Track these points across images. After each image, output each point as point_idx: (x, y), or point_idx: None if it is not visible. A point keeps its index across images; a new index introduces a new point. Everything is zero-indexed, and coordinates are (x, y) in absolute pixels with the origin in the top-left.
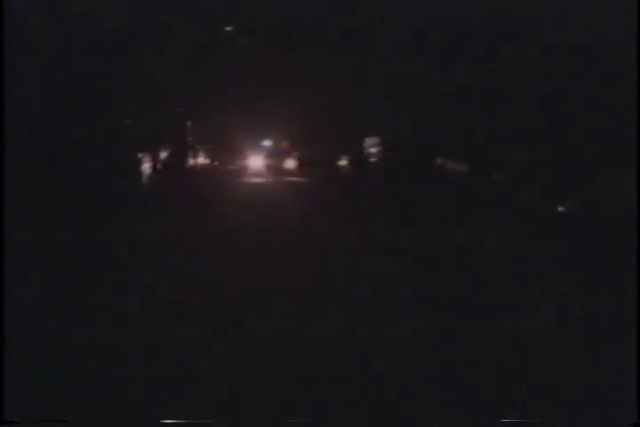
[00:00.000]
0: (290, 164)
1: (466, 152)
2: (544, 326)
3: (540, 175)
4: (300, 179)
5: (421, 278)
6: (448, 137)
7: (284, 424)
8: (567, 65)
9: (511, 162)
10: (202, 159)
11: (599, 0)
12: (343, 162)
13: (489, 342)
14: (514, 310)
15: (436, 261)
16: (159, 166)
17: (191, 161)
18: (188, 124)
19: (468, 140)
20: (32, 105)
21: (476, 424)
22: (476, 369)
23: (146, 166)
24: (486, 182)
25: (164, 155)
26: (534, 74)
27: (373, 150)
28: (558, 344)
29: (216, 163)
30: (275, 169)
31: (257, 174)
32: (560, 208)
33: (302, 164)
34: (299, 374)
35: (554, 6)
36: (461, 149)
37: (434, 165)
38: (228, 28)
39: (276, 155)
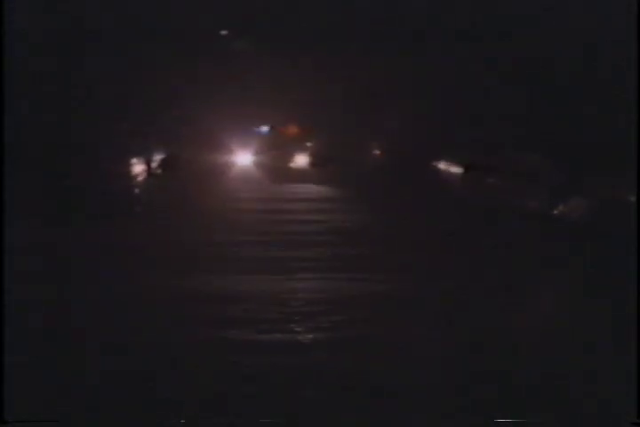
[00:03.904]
0: (300, 160)
1: (469, 155)
2: (544, 325)
3: (541, 178)
4: (324, 188)
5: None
6: (452, 140)
7: (283, 424)
8: (568, 68)
9: (515, 165)
10: (188, 161)
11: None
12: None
13: (489, 342)
14: (514, 309)
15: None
16: (152, 170)
17: (181, 163)
18: (181, 126)
19: (470, 143)
20: (25, 107)
21: (476, 424)
22: (476, 369)
23: (138, 171)
24: (488, 184)
25: (157, 159)
26: (535, 77)
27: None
28: (558, 344)
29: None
30: (276, 169)
31: (249, 179)
32: (560, 210)
33: (319, 160)
34: (298, 374)
35: (555, 10)
36: (463, 151)
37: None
38: (224, 32)
39: (277, 146)
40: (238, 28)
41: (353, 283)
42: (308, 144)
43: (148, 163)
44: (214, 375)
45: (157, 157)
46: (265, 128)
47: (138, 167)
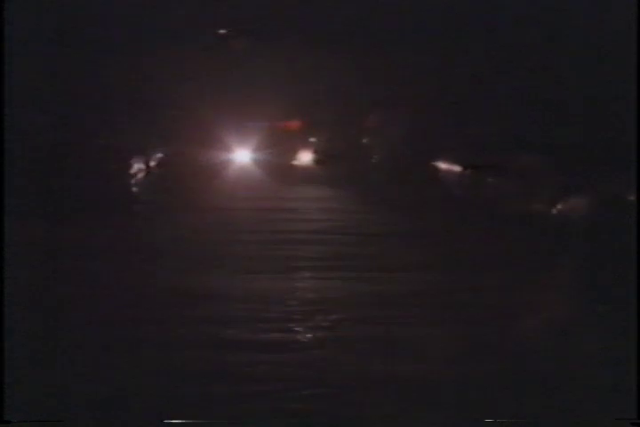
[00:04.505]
0: (304, 157)
1: (465, 155)
2: (544, 325)
3: (541, 179)
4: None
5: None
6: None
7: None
8: (568, 69)
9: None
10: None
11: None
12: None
13: (489, 342)
14: (513, 310)
15: None
16: (150, 168)
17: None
18: (179, 124)
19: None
20: (25, 106)
21: (476, 424)
22: (476, 369)
23: (135, 169)
24: (487, 185)
25: (155, 157)
26: (536, 77)
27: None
28: (558, 344)
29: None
30: (277, 166)
31: (248, 178)
32: (560, 211)
33: (323, 157)
34: (298, 373)
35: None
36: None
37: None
38: (222, 31)
39: (277, 142)
40: (237, 27)
41: (351, 282)
42: (312, 140)
43: (145, 161)
44: (212, 374)
45: (155, 156)
46: (263, 123)
47: (136, 166)
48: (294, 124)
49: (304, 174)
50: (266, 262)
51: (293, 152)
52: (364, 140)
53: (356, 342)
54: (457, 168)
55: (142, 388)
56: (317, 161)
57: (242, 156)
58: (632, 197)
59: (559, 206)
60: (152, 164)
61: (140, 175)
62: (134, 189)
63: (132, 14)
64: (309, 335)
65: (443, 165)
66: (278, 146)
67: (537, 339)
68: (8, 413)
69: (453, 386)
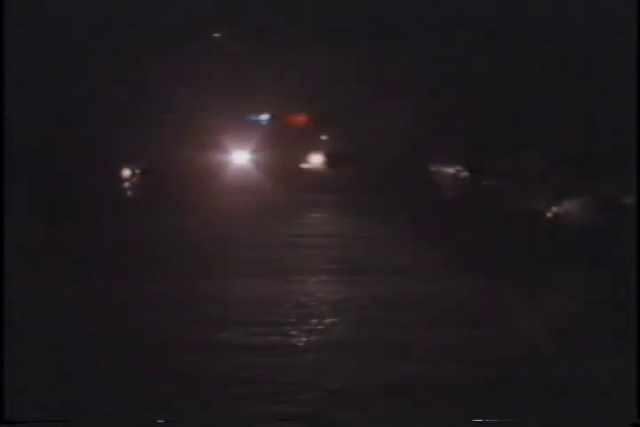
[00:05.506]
0: (315, 159)
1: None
2: (544, 326)
3: (541, 180)
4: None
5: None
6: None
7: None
8: (568, 69)
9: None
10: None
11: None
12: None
13: (489, 343)
14: (513, 309)
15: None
16: (147, 171)
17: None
18: (175, 126)
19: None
20: (17, 109)
21: (477, 424)
22: (477, 369)
23: (131, 173)
24: (492, 186)
25: (151, 159)
26: (536, 77)
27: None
28: (558, 344)
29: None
30: (281, 170)
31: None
32: (559, 211)
33: (334, 160)
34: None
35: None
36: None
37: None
38: (217, 34)
39: (281, 140)
40: (236, 26)
41: (348, 285)
42: (323, 138)
43: (141, 164)
44: (209, 377)
45: (152, 157)
46: (265, 117)
47: (131, 170)
48: (299, 119)
49: (305, 175)
50: (262, 266)
51: (301, 153)
52: (370, 142)
53: (352, 346)
54: (465, 172)
55: (141, 389)
56: (329, 164)
57: (243, 157)
58: (631, 199)
59: (558, 207)
60: (149, 165)
61: (136, 178)
62: (130, 191)
63: (131, 15)
64: (304, 339)
65: (443, 168)
66: (282, 146)
67: (536, 338)
68: (8, 413)
69: (453, 388)
